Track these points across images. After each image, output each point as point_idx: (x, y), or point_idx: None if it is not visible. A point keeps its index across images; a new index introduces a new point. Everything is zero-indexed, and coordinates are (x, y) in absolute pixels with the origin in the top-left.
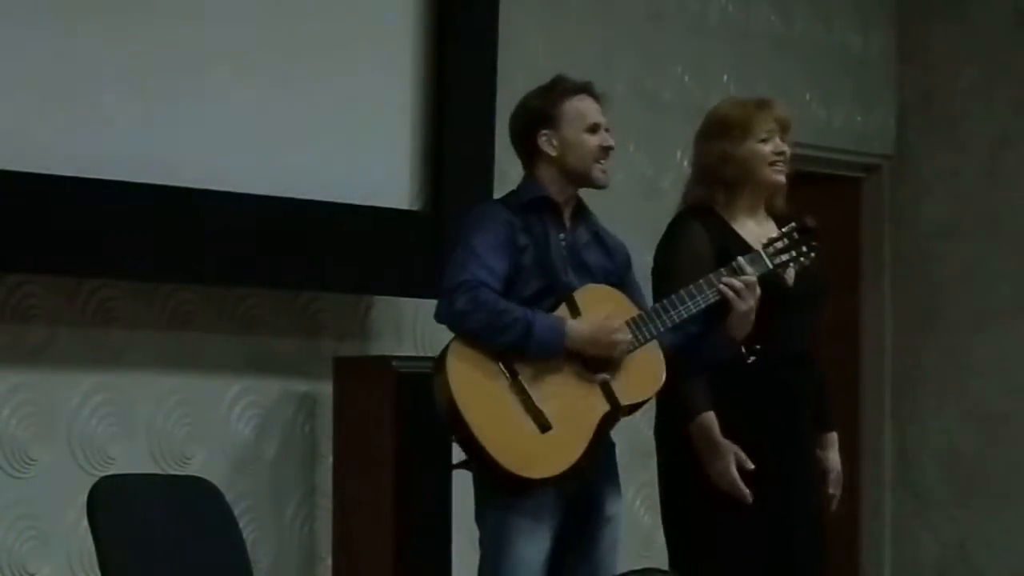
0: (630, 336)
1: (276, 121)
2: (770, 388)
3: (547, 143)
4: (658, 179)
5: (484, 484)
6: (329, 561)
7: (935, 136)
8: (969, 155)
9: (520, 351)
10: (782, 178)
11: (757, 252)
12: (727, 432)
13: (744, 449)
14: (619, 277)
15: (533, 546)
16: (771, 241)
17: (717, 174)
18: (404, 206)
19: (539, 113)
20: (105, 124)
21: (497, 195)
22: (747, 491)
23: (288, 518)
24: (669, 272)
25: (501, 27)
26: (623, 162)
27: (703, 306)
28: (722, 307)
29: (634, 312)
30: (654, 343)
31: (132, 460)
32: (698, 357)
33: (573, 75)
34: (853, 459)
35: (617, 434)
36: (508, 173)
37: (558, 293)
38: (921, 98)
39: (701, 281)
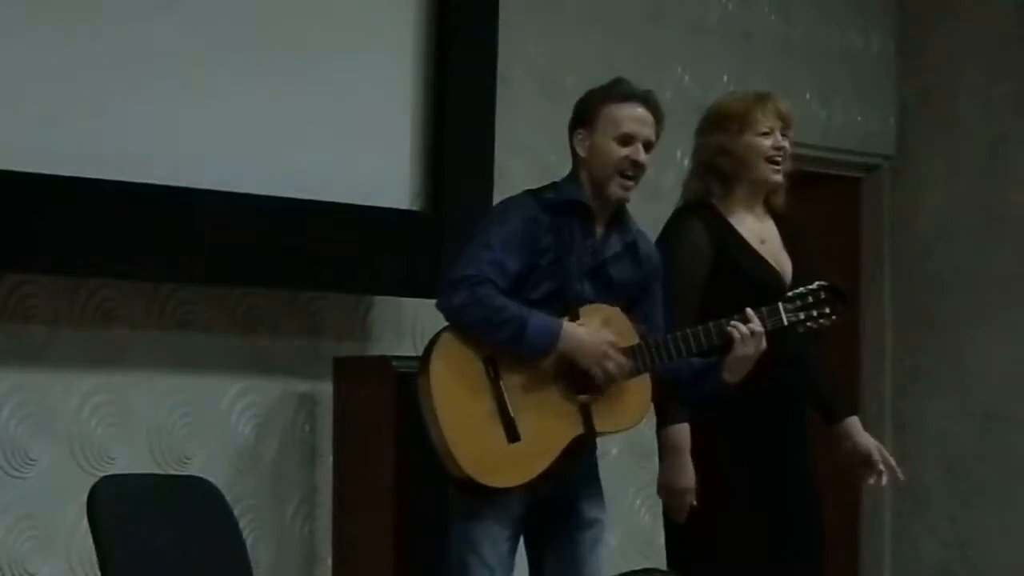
0: (624, 361)
1: (276, 121)
2: (767, 389)
3: (580, 144)
4: (658, 179)
5: (452, 483)
6: (329, 561)
7: (935, 136)
8: (969, 155)
9: (513, 348)
10: (779, 177)
11: (776, 306)
12: (724, 434)
13: (741, 450)
14: (642, 286)
15: (496, 550)
16: (795, 296)
17: (714, 167)
18: (404, 206)
19: (581, 112)
20: (105, 124)
21: (497, 196)
22: (684, 516)
23: (288, 518)
24: (667, 268)
25: (501, 27)
26: None
27: (701, 347)
28: (723, 349)
29: (635, 340)
30: (645, 375)
31: (132, 460)
32: (687, 390)
33: (572, 75)
34: None
35: (617, 435)
36: (508, 173)
37: (567, 301)
38: (921, 98)
39: (710, 325)
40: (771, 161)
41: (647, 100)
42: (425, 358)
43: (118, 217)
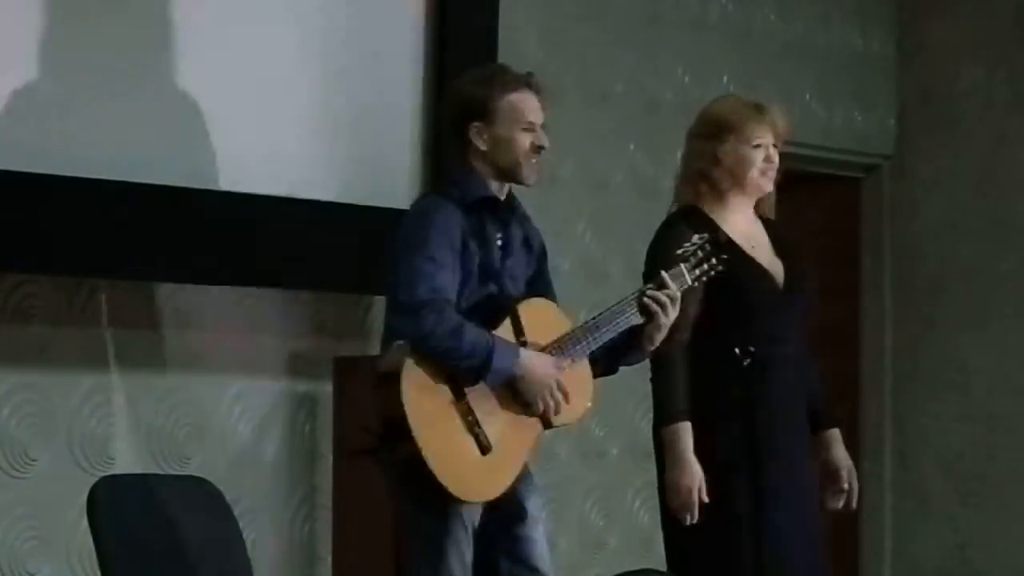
0: (561, 398)
1: (276, 121)
2: (763, 388)
3: (477, 136)
4: (658, 179)
5: (418, 495)
6: (329, 561)
7: (935, 136)
8: (969, 155)
9: (476, 375)
10: (770, 186)
11: (679, 268)
12: (723, 435)
13: (740, 451)
14: (536, 269)
15: (461, 556)
16: (688, 254)
17: (705, 175)
18: (404, 206)
19: (475, 104)
20: (105, 124)
21: None
22: (696, 515)
23: (288, 518)
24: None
25: (501, 27)
26: (623, 162)
27: (632, 324)
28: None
29: (570, 326)
30: (585, 362)
31: (132, 460)
32: (602, 365)
33: (572, 75)
34: (853, 459)
35: (617, 435)
36: None
37: (499, 303)
38: (921, 98)
39: (630, 297)
40: (763, 173)
41: (535, 83)
42: (394, 376)
43: (118, 217)
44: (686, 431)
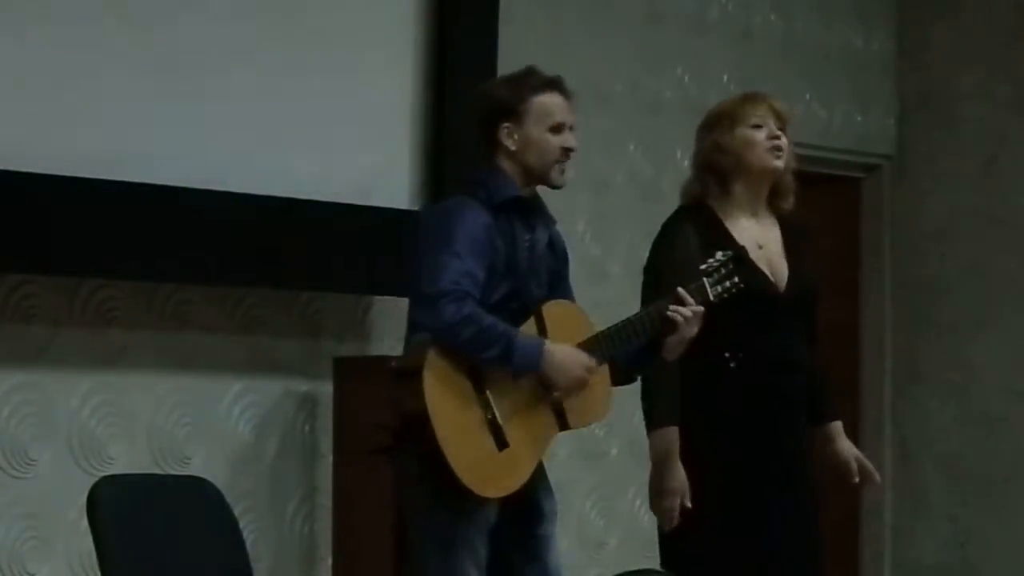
0: (590, 378)
1: (276, 121)
2: (760, 393)
3: (507, 136)
4: (658, 179)
5: (433, 491)
6: (329, 561)
7: (935, 136)
8: (969, 155)
9: (499, 367)
10: (779, 163)
11: (701, 283)
12: (721, 440)
13: (734, 452)
14: (558, 274)
15: (475, 553)
16: (711, 270)
17: (711, 166)
18: (404, 206)
19: (504, 104)
20: (105, 124)
21: None
22: (675, 522)
23: (288, 518)
24: (657, 274)
25: (501, 27)
26: (623, 162)
27: (651, 336)
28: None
29: (592, 331)
30: (605, 368)
31: (132, 460)
32: (623, 374)
33: (572, 75)
34: None
35: (616, 435)
36: None
37: (523, 302)
38: (921, 98)
39: (651, 308)
40: (768, 150)
41: (563, 86)
42: (416, 372)
43: (118, 217)
44: (673, 436)
